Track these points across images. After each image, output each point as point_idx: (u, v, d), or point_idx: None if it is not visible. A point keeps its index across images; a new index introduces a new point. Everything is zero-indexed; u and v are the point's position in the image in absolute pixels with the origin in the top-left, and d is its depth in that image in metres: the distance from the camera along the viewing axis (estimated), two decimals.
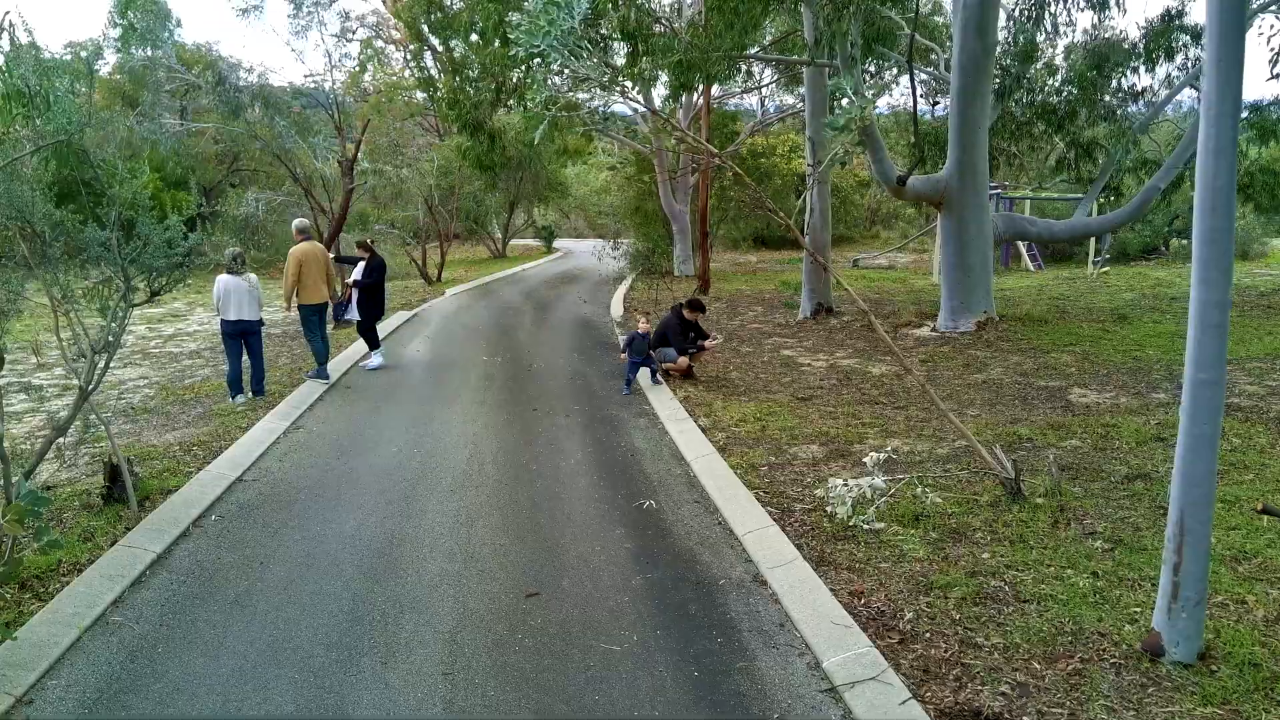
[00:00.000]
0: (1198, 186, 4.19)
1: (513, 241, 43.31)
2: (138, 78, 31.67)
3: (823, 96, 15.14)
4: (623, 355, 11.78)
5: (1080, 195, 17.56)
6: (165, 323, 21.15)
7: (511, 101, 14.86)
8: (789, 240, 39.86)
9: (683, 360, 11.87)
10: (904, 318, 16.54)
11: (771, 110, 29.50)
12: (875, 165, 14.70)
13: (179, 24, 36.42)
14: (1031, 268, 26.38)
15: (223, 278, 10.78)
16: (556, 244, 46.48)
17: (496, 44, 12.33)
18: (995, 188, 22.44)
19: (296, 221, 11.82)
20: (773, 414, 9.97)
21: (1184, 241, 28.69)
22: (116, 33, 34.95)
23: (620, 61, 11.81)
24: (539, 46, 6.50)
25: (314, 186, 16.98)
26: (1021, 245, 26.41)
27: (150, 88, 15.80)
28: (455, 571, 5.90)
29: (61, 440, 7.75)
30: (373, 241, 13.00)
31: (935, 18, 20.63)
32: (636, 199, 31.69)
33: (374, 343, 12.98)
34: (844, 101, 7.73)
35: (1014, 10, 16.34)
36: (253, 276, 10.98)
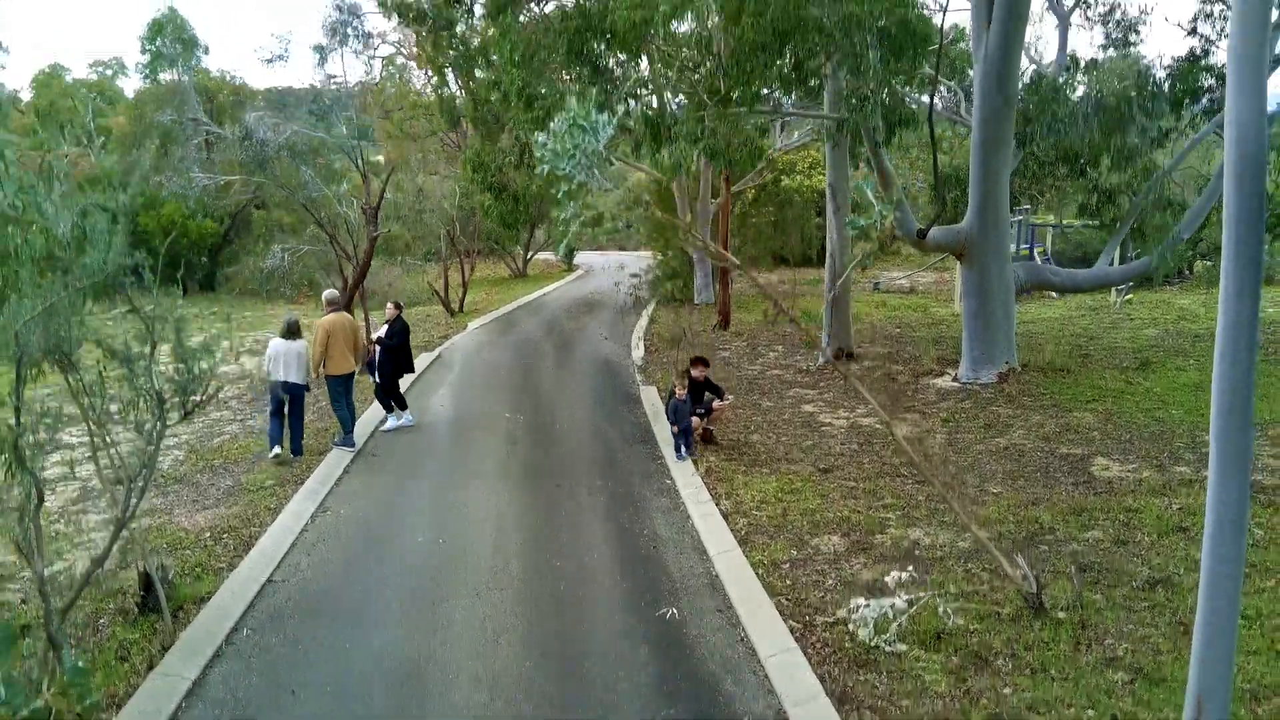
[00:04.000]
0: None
1: (535, 256, 43.49)
2: (162, 95, 32.13)
3: (844, 151, 15.16)
4: (675, 428, 11.67)
5: (1103, 223, 17.45)
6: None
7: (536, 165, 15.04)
8: (808, 258, 39.83)
9: (696, 421, 11.88)
10: (925, 363, 16.53)
11: (795, 139, 29.46)
12: (896, 218, 14.72)
13: (206, 50, 37.09)
14: (1054, 293, 26.25)
15: (275, 341, 11.75)
16: (577, 260, 46.68)
17: (521, 109, 12.47)
18: (1019, 215, 22.32)
19: (326, 293, 12.17)
20: (794, 491, 10.03)
21: (1209, 263, 28.43)
22: (145, 59, 35.49)
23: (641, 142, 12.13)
24: (564, 169, 6.60)
25: (338, 231, 17.17)
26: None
27: (179, 142, 16.06)
28: (481, 703, 6.01)
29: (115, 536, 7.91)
30: (401, 305, 13.25)
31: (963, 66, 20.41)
32: (656, 224, 31.75)
33: (400, 403, 13.13)
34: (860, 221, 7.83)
35: (1034, 50, 16.27)
36: (303, 343, 11.78)
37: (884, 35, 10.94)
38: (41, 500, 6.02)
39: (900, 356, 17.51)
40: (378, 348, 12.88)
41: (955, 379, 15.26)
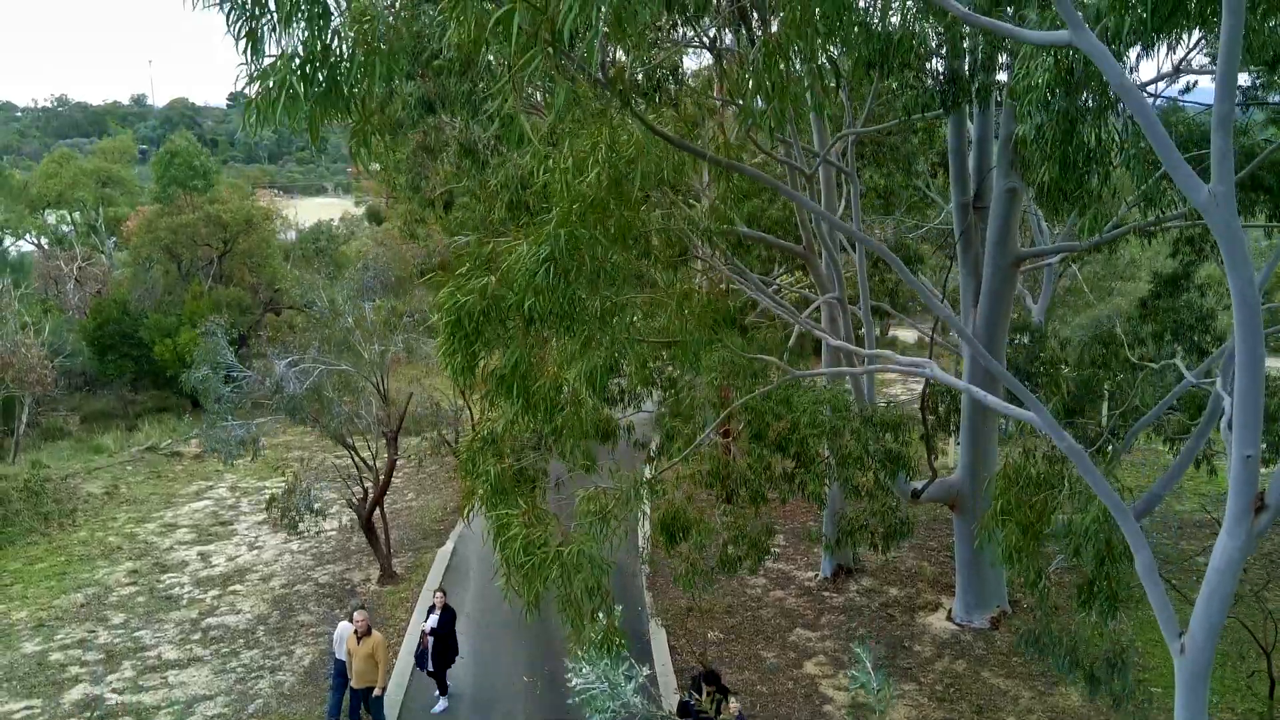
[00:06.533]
0: None
1: None
2: (179, 227, 33.04)
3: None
4: None
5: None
6: (213, 535, 21.98)
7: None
8: (803, 355, 40.58)
9: None
10: (921, 589, 17.29)
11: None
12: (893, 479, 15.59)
13: (217, 172, 37.81)
14: None
15: (343, 624, 13.21)
16: None
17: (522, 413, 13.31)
18: None
19: (359, 615, 12.87)
20: None
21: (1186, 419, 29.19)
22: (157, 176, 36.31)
23: None
24: None
25: (360, 449, 18.05)
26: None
27: (212, 395, 17.01)
28: None
29: None
30: (445, 592, 14.15)
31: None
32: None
33: (443, 687, 13.78)
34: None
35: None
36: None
37: (875, 457, 11.91)
38: None
39: (898, 572, 18.27)
40: (432, 639, 13.30)
41: (949, 617, 16.08)
